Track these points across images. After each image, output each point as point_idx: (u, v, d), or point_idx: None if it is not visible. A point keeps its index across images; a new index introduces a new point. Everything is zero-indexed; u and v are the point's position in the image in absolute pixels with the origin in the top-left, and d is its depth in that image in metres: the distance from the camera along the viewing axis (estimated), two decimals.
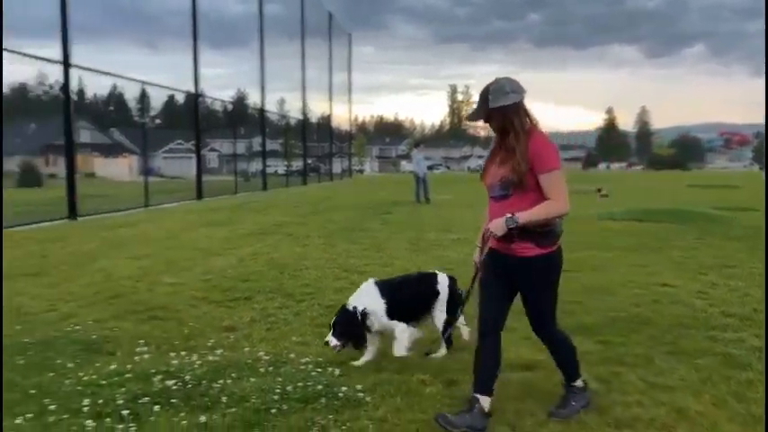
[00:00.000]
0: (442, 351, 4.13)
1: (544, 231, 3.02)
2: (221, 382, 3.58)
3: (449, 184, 33.24)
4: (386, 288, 4.14)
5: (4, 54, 11.34)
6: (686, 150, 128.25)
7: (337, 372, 3.75)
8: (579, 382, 3.34)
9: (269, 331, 4.67)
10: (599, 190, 21.55)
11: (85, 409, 3.19)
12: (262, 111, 27.63)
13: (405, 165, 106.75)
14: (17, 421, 3.05)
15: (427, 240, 9.70)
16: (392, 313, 4.05)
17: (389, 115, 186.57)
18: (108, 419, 3.09)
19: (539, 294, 3.23)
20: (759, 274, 6.77)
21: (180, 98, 29.09)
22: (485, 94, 3.03)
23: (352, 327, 3.97)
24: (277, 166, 41.99)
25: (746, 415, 3.18)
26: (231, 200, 20.60)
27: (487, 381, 3.15)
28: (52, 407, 3.21)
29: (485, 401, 3.10)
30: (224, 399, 3.34)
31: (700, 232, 10.52)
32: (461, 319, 4.16)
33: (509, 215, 2.96)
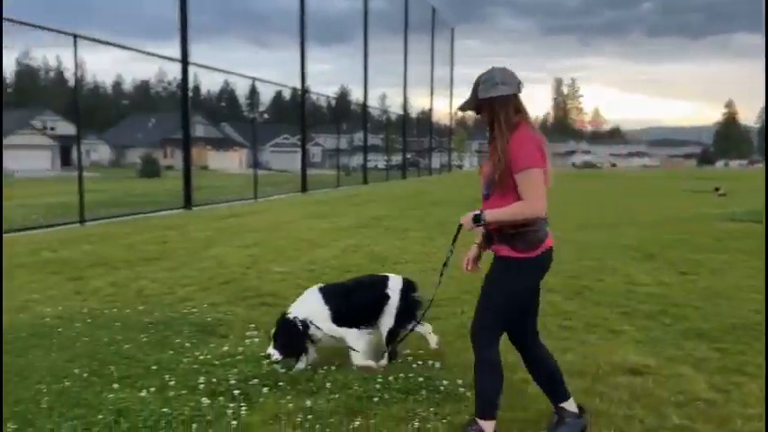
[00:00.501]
0: (383, 362, 3.73)
1: (517, 233, 2.78)
2: (325, 368, 3.69)
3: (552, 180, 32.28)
4: (330, 294, 3.84)
5: (129, 53, 12.23)
6: None
7: (437, 365, 3.76)
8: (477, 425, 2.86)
9: None
10: (716, 189, 20.18)
11: (201, 386, 3.39)
12: (364, 106, 28.10)
13: None
14: (141, 394, 3.30)
15: None
16: (339, 320, 3.72)
17: None
18: (221, 398, 3.27)
19: (485, 292, 2.93)
20: None
21: (287, 94, 30.23)
22: (476, 84, 2.84)
23: (291, 337, 3.67)
24: (377, 161, 42.60)
25: None
26: (333, 193, 21.14)
27: (558, 387, 3.00)
28: (171, 382, 3.44)
29: (570, 406, 2.97)
30: (328, 384, 3.45)
31: None
32: (427, 327, 3.93)
33: (478, 212, 2.85)
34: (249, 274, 6.54)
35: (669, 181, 33.18)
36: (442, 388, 3.39)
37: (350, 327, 3.73)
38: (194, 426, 2.93)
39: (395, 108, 35.00)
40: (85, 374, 3.56)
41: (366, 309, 3.84)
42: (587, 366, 3.79)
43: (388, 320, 3.83)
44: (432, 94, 40.39)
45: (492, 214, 2.82)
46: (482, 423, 2.86)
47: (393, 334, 3.79)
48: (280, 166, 44.29)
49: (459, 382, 3.49)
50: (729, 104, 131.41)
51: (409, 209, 14.65)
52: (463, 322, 4.73)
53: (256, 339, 4.24)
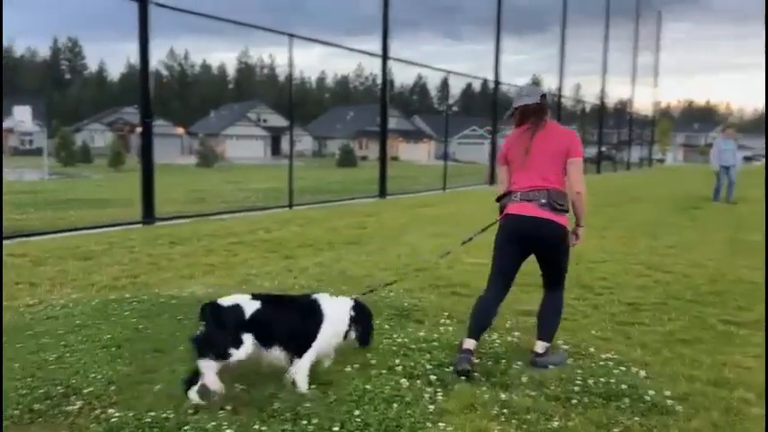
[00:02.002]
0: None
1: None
2: (520, 363, 3.66)
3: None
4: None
5: (333, 49, 13.05)
6: None
7: (642, 373, 3.54)
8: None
9: (566, 321, 4.59)
10: None
11: (399, 368, 3.55)
12: (558, 96, 27.08)
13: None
14: (347, 369, 3.54)
15: (748, 242, 8.49)
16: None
17: (700, 99, 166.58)
18: (418, 381, 3.40)
19: None
20: None
21: (476, 86, 30.18)
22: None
23: None
24: None
25: None
26: None
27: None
28: (373, 361, 3.65)
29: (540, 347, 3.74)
30: (524, 379, 3.42)
31: None
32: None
33: None
34: (441, 264, 6.68)
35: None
36: (647, 398, 3.18)
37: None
38: (395, 405, 3.08)
39: (589, 98, 33.25)
40: None
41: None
42: None
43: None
44: (633, 82, 37.69)
45: None
46: (464, 339, 3.68)
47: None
48: (466, 158, 44.47)
49: (667, 393, 3.25)
50: None
51: (606, 205, 13.85)
52: (671, 330, 4.42)
53: (450, 328, 4.34)
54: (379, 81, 15.83)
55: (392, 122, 57.68)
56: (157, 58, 73.27)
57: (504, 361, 3.71)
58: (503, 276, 3.81)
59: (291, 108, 13.58)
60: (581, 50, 29.52)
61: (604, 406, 3.13)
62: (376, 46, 14.93)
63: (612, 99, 38.67)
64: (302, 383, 3.23)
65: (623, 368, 3.61)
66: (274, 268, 6.37)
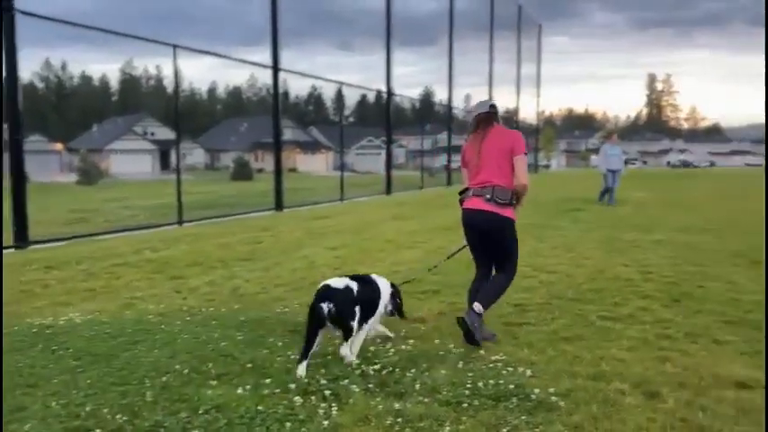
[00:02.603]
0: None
1: None
2: (413, 371, 3.71)
3: (646, 181, 30.87)
4: None
5: (223, 62, 12.77)
6: None
7: (529, 372, 3.68)
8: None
9: (457, 326, 4.72)
10: None
11: (292, 386, 3.48)
12: (449, 107, 27.96)
13: (594, 159, 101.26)
14: (238, 391, 3.42)
15: (623, 241, 9.12)
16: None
17: (579, 107, 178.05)
18: (313, 398, 3.35)
19: None
20: None
21: (371, 96, 30.54)
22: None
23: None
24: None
25: None
26: (417, 194, 21.19)
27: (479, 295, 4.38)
28: (266, 381, 3.56)
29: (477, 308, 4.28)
30: (417, 387, 3.46)
31: None
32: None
33: None
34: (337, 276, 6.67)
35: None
36: (533, 396, 3.31)
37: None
38: (288, 424, 3.02)
39: None
40: (186, 370, 3.74)
41: None
42: (688, 378, 3.59)
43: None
44: (518, 93, 39.67)
45: None
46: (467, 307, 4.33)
47: None
48: (364, 168, 44.88)
49: (552, 390, 3.40)
50: None
51: None
52: (554, 329, 4.63)
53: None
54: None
55: (288, 134, 57.18)
56: (30, 70, 68.47)
57: (398, 370, 3.73)
58: (479, 261, 4.59)
59: (178, 120, 13.09)
60: (469, 62, 30.58)
61: (494, 407, 3.22)
62: (269, 56, 14.76)
63: (500, 109, 40.40)
64: (356, 349, 3.90)
65: (511, 369, 3.74)
66: (161, 290, 6.08)
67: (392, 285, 4.35)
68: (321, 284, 3.91)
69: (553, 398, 3.31)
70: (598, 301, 5.47)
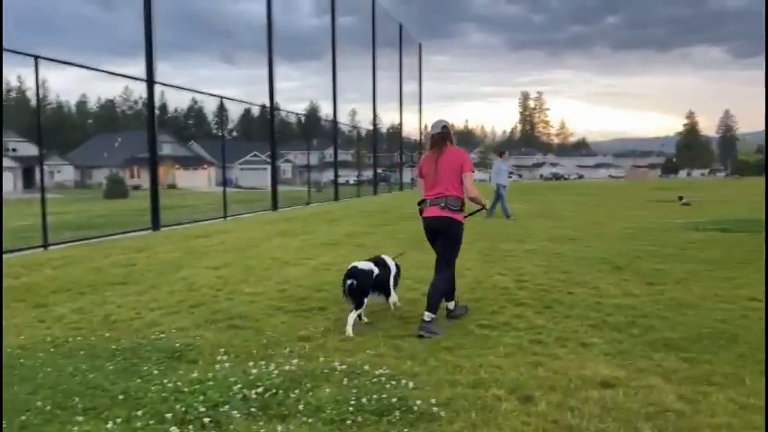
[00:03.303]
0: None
1: None
2: (297, 391, 3.65)
3: (522, 194, 32.65)
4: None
5: (95, 74, 12.06)
6: None
7: (411, 384, 3.74)
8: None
9: (343, 342, 4.72)
10: (680, 198, 20.65)
11: (169, 415, 3.31)
12: (334, 122, 28.11)
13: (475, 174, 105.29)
14: (107, 426, 3.20)
15: (500, 251, 9.56)
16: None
17: (459, 123, 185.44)
18: (190, 426, 3.20)
19: None
20: None
21: (256, 111, 30.09)
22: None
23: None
24: (348, 177, 42.59)
25: None
26: (304, 210, 21.05)
27: (448, 294, 5.45)
28: (139, 412, 3.36)
29: (450, 304, 5.51)
30: (300, 407, 3.40)
31: None
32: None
33: None
34: (219, 296, 6.45)
35: (635, 191, 33.86)
36: (415, 408, 3.36)
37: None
38: None
39: (365, 123, 35.11)
40: (48, 407, 3.45)
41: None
42: (558, 381, 3.81)
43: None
44: (401, 109, 40.66)
45: None
46: (424, 312, 5.03)
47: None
48: (250, 184, 43.99)
49: (433, 400, 3.47)
50: (690, 115, 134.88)
51: (381, 225, 14.66)
52: (436, 339, 4.74)
53: (226, 364, 4.16)
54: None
55: (167, 149, 54.93)
56: None
57: (281, 391, 3.66)
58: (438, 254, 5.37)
59: (41, 135, 12.12)
60: (353, 78, 31.01)
61: (377, 422, 3.23)
62: (143, 70, 14.10)
63: (385, 124, 41.26)
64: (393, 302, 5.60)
65: (394, 382, 3.78)
66: (22, 320, 5.57)
67: (396, 266, 5.66)
68: (351, 265, 5.24)
69: (434, 408, 3.38)
70: (477, 311, 5.68)
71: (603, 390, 3.67)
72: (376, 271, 5.25)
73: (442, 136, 5.28)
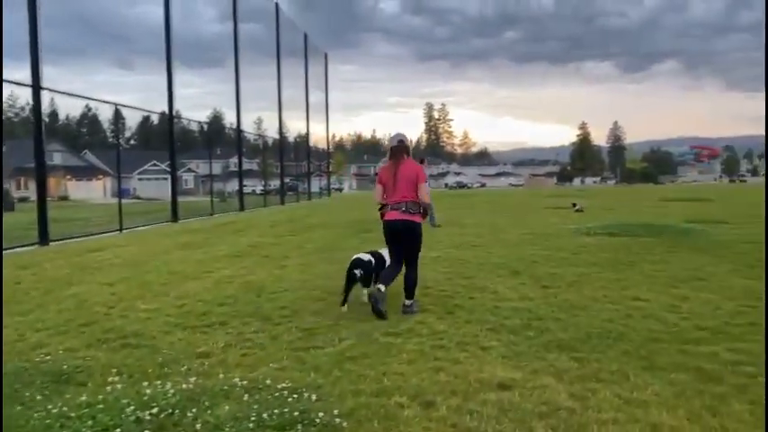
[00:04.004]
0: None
1: None
2: (195, 410, 3.52)
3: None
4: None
5: None
6: (658, 164, 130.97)
7: (314, 397, 3.70)
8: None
9: (245, 357, 4.61)
10: (574, 205, 21.82)
11: None
12: (238, 130, 27.54)
13: None
14: None
15: None
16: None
17: (367, 133, 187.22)
18: None
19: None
20: (729, 287, 6.90)
21: (155, 118, 28.93)
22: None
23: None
24: (255, 186, 41.83)
25: (721, 429, 3.22)
26: (207, 221, 20.43)
27: (408, 290, 6.13)
28: None
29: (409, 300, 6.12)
30: (198, 427, 3.28)
31: (671, 245, 10.69)
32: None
33: None
34: (112, 314, 6.12)
35: (533, 199, 35.45)
36: (318, 420, 3.33)
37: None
38: None
39: (271, 132, 34.59)
40: None
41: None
42: (459, 385, 3.90)
43: None
44: (307, 118, 40.49)
45: None
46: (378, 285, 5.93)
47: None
48: (149, 195, 42.19)
49: (336, 412, 3.45)
50: (583, 126, 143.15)
51: (288, 235, 14.48)
52: (341, 350, 4.73)
53: (119, 386, 3.95)
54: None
55: (58, 158, 51.67)
56: None
57: (177, 411, 3.51)
58: (395, 257, 6.19)
59: None
60: (258, 86, 30.53)
61: None
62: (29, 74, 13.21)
63: (293, 133, 40.93)
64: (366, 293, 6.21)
65: (296, 395, 3.72)
66: None
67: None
68: (354, 257, 6.37)
69: (337, 419, 3.36)
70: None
71: (501, 392, 3.79)
72: (374, 260, 6.41)
73: (400, 149, 6.09)
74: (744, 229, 13.81)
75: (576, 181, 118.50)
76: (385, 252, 6.49)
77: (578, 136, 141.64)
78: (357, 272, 6.16)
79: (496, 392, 3.78)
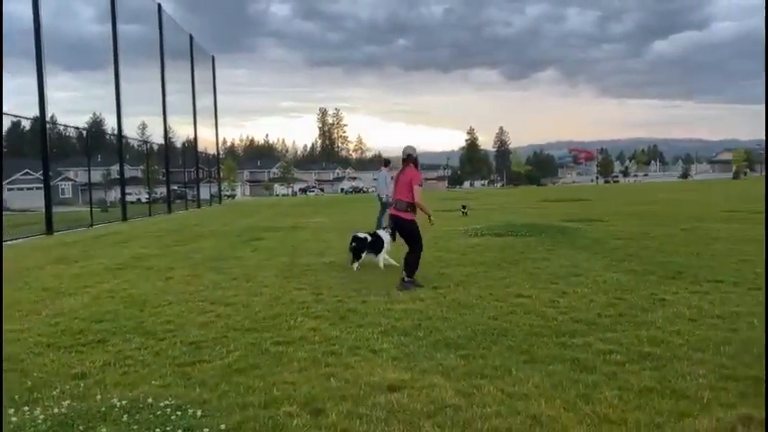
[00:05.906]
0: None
1: None
2: (81, 428, 3.28)
3: (323, 207, 33.27)
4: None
5: None
6: (541, 167, 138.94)
7: (199, 413, 3.56)
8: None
9: (125, 375, 4.36)
10: (463, 207, 22.57)
11: None
12: (119, 136, 26.11)
13: (278, 188, 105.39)
14: None
15: (300, 266, 9.60)
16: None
17: (260, 138, 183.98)
18: None
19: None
20: (603, 281, 7.40)
21: (27, 124, 26.74)
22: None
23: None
24: (140, 195, 39.83)
25: (593, 416, 3.43)
26: (86, 233, 19.19)
27: (408, 268, 7.53)
28: None
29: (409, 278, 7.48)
30: None
31: (552, 244, 11.32)
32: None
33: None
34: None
35: (425, 202, 36.26)
36: None
37: None
38: None
39: (157, 137, 33.06)
40: None
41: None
42: (349, 390, 3.90)
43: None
44: (195, 122, 39.09)
45: None
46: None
47: None
48: (21, 206, 39.01)
49: (222, 427, 3.34)
50: (471, 131, 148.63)
51: (175, 245, 13.89)
52: (229, 363, 4.60)
53: None
54: None
55: None
56: None
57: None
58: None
59: None
60: (142, 90, 29.10)
61: None
62: None
63: (180, 139, 39.39)
64: (381, 264, 8.92)
65: (180, 412, 3.57)
66: None
67: (391, 234, 8.86)
68: (353, 235, 8.98)
69: None
70: (273, 328, 5.62)
71: (390, 394, 3.83)
72: (370, 239, 8.87)
73: (405, 159, 7.71)
74: (616, 226, 14.91)
75: (466, 184, 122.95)
76: (384, 234, 8.97)
77: (467, 141, 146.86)
78: (354, 244, 8.81)
79: (386, 395, 3.81)
